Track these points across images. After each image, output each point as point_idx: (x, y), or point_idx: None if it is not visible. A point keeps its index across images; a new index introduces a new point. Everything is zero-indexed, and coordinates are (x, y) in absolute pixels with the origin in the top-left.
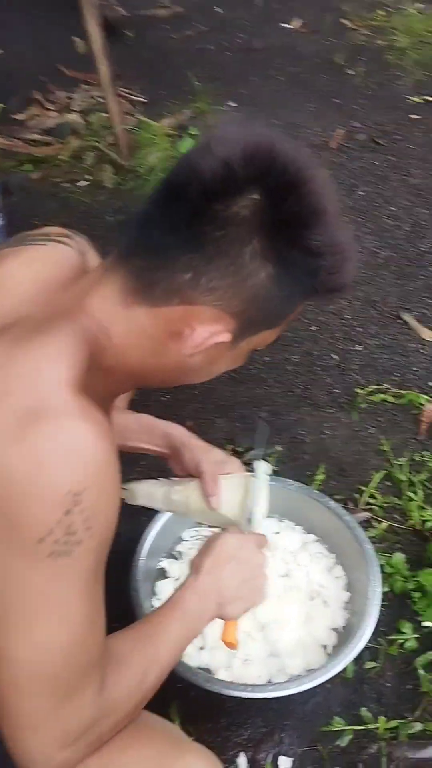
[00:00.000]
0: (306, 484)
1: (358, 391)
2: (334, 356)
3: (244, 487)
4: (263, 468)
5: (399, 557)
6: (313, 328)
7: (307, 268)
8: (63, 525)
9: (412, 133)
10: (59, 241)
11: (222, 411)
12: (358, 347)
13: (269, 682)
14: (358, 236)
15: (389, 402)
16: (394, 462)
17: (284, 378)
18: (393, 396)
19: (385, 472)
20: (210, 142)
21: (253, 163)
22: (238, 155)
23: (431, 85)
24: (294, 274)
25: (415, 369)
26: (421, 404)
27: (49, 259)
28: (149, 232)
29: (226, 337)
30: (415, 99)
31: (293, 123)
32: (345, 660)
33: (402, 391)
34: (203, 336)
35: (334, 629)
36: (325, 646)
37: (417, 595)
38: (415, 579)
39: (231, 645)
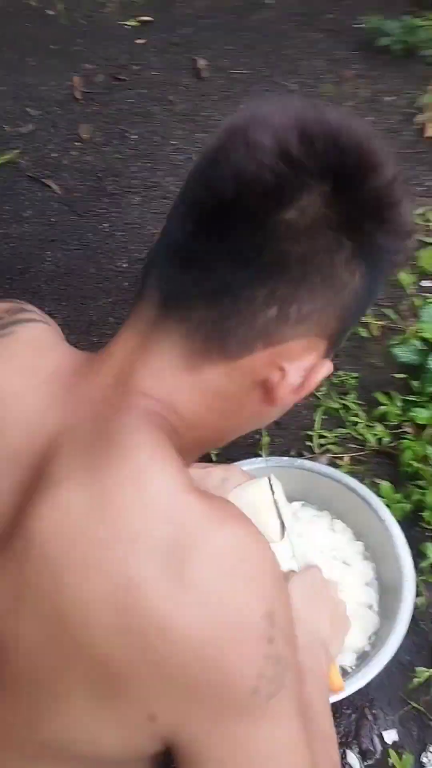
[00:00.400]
0: (258, 455)
1: None
2: None
3: (258, 496)
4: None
5: (386, 485)
6: None
7: (393, 250)
8: (271, 658)
9: (147, 58)
10: (22, 321)
11: None
12: None
13: (342, 670)
14: (156, 183)
15: None
16: (319, 394)
17: None
18: None
19: (320, 407)
20: (247, 130)
21: (316, 147)
22: (294, 142)
23: (137, 5)
24: (381, 264)
25: None
26: None
27: (33, 349)
28: (204, 273)
29: (328, 368)
30: (131, 23)
31: (23, 83)
32: (406, 616)
33: None
34: (298, 376)
35: (367, 584)
36: (370, 606)
37: (426, 513)
38: (408, 501)
39: (339, 689)
